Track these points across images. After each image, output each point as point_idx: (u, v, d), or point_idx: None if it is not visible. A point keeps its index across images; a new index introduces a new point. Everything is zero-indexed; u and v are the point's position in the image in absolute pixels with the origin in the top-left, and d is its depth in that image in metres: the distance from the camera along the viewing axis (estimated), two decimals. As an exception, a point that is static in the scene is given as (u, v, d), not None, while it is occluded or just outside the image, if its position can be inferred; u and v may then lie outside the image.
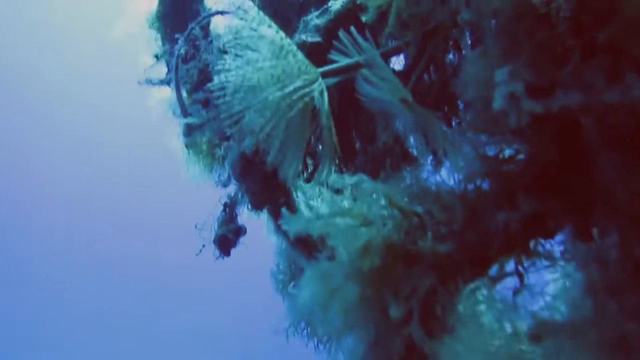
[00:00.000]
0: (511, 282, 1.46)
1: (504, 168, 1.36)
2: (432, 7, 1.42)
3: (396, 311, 1.31)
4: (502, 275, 1.44)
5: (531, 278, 1.47)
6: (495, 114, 1.30)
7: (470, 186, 1.41)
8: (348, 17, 1.89)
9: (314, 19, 1.93)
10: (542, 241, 1.43)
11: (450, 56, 2.17)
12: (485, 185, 1.40)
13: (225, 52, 1.59)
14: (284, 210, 1.45)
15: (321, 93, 1.61)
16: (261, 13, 1.54)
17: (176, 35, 2.33)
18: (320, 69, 1.64)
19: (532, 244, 1.42)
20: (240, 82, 1.61)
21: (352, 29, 1.57)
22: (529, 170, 1.29)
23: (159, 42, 2.78)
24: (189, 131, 2.25)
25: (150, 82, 2.61)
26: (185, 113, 2.30)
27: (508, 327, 1.31)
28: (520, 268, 1.45)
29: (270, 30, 1.55)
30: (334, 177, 1.43)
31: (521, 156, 1.37)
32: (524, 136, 1.31)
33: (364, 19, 1.65)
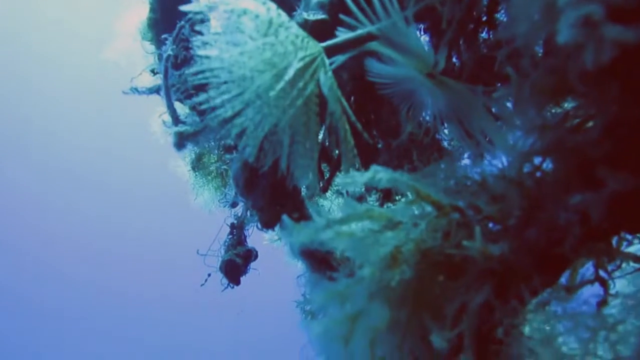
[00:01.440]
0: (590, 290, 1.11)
1: (571, 140, 1.01)
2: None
3: (441, 338, 0.96)
4: (578, 284, 1.09)
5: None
6: (556, 65, 0.97)
7: (527, 167, 1.07)
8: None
9: (317, -5, 1.64)
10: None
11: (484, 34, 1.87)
12: (547, 165, 1.06)
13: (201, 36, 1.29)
14: (285, 217, 1.12)
15: (326, 72, 1.30)
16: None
17: (163, 36, 2.07)
18: (323, 44, 1.33)
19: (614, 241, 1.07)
20: (222, 71, 1.30)
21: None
22: (609, 137, 0.94)
23: (154, 55, 2.52)
24: (181, 141, 1.98)
25: (136, 90, 2.34)
26: (176, 121, 2.02)
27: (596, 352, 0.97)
28: (602, 272, 1.09)
29: (254, 2, 1.25)
30: (341, 178, 1.10)
31: (591, 123, 1.03)
32: (595, 94, 0.96)
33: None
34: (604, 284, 1.08)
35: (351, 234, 1.07)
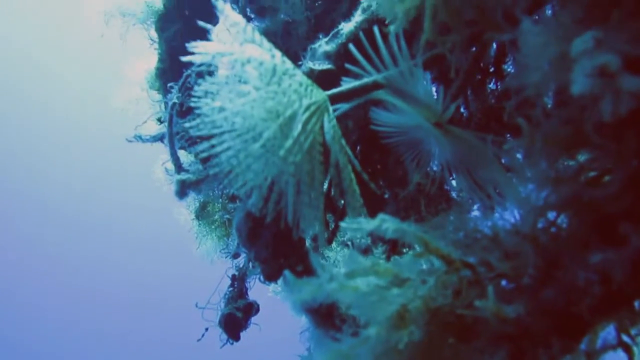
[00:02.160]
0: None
1: (588, 194, 0.96)
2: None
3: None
4: (599, 349, 1.01)
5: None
6: (570, 115, 0.93)
7: (541, 222, 1.01)
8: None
9: (323, 45, 1.63)
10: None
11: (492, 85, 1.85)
12: (563, 221, 1.00)
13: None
14: (287, 273, 1.07)
15: (330, 121, 1.26)
16: (250, 28, 1.22)
17: (170, 84, 2.06)
18: (328, 92, 1.31)
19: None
20: (224, 122, 1.27)
21: (375, 29, 1.24)
22: (629, 192, 0.89)
23: (161, 103, 2.52)
24: (183, 189, 1.94)
25: (140, 138, 2.32)
26: (179, 170, 1.99)
27: None
28: (625, 337, 1.02)
29: (258, 50, 1.23)
30: (347, 223, 1.04)
31: (609, 177, 0.97)
32: (613, 147, 0.92)
33: (391, 28, 1.32)
34: (628, 350, 1.00)
35: (356, 289, 1.01)
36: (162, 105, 2.38)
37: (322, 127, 1.24)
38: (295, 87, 1.21)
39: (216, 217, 2.80)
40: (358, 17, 1.59)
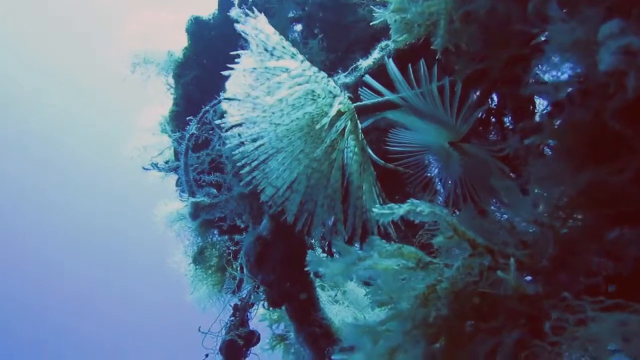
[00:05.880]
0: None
1: (604, 181, 1.04)
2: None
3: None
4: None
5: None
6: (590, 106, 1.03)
7: (559, 214, 1.08)
8: (380, 74, 1.71)
9: (342, 78, 1.76)
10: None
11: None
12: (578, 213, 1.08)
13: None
14: (310, 252, 1.12)
15: (354, 126, 1.36)
16: (284, 41, 1.34)
17: (188, 117, 2.17)
18: (353, 105, 1.41)
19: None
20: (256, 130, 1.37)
21: (390, 62, 1.37)
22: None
23: (173, 143, 2.62)
24: (196, 211, 1.97)
25: (156, 166, 2.39)
26: (193, 195, 2.04)
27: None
28: None
29: (294, 62, 1.33)
30: (378, 209, 1.10)
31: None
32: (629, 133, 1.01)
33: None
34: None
35: (387, 267, 1.06)
36: (174, 146, 2.47)
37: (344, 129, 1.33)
38: (330, 88, 1.31)
39: (213, 262, 2.82)
40: (376, 54, 1.73)
